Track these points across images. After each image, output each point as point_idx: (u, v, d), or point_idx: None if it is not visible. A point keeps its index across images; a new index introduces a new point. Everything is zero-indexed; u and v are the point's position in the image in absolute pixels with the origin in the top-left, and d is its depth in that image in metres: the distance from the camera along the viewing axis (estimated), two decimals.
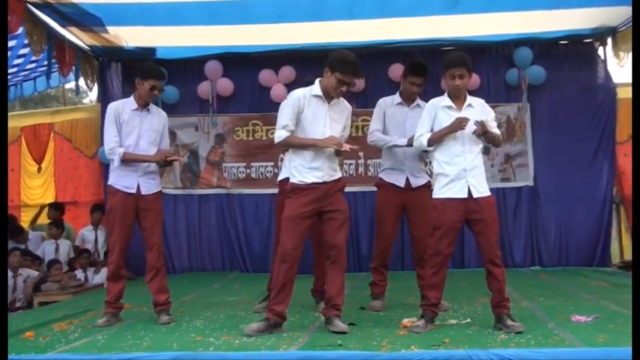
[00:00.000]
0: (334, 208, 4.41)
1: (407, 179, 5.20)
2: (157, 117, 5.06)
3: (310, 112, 4.39)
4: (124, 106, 4.97)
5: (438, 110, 4.38)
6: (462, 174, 4.26)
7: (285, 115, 4.43)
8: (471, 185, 4.25)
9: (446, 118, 4.32)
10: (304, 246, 4.46)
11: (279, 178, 5.36)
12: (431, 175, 4.83)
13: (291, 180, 4.45)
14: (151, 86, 4.88)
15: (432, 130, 4.37)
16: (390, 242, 5.34)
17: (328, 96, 4.43)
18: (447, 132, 4.28)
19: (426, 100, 4.70)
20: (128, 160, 4.86)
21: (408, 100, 5.26)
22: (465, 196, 4.24)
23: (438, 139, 4.32)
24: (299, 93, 4.47)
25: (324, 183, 4.38)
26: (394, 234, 5.36)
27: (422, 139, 4.38)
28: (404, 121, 5.21)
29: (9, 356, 3.46)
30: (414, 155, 5.13)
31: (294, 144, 4.43)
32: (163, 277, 4.97)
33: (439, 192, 4.33)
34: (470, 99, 4.40)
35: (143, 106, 4.97)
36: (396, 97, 5.33)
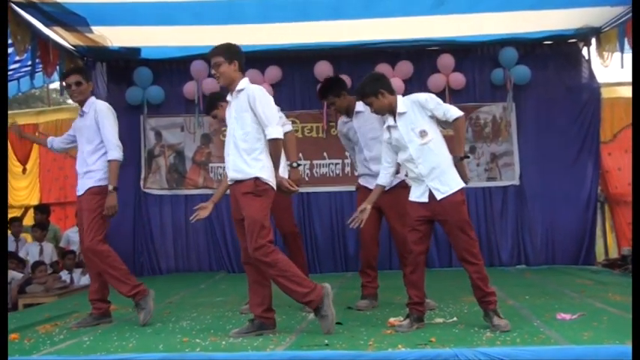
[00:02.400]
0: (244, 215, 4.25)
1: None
2: (90, 113, 4.90)
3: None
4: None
5: (387, 131, 4.43)
6: (420, 179, 4.27)
7: None
8: (432, 188, 4.23)
9: (393, 136, 4.36)
10: None
11: None
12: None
13: None
14: (66, 85, 4.96)
15: (391, 143, 4.41)
16: (370, 245, 5.33)
17: (231, 92, 4.40)
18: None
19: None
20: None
21: (347, 114, 5.43)
22: (427, 200, 4.25)
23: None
24: None
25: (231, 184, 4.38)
26: (373, 236, 5.33)
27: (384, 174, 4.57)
28: (354, 135, 5.39)
29: None
30: (379, 159, 5.20)
31: None
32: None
33: (410, 193, 4.40)
34: (399, 106, 4.33)
35: (81, 108, 4.98)
36: (344, 117, 5.50)
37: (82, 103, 4.95)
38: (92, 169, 4.83)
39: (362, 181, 5.43)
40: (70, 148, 5.25)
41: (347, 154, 8.06)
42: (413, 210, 4.31)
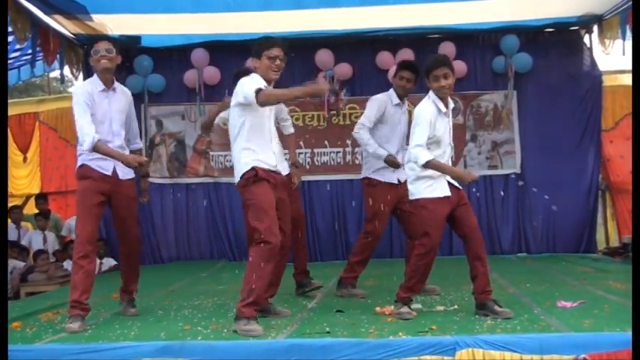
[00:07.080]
0: None
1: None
2: (123, 96, 4.65)
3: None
4: (92, 88, 4.46)
5: (434, 118, 4.28)
6: (443, 175, 4.28)
7: None
8: (451, 182, 4.28)
9: (441, 124, 4.29)
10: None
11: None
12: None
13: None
14: (94, 51, 4.47)
15: (434, 134, 4.29)
16: (380, 238, 5.34)
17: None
18: (452, 175, 4.27)
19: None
20: (101, 151, 4.30)
21: (402, 99, 5.27)
22: (449, 194, 4.27)
23: (437, 170, 4.23)
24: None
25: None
26: (384, 230, 5.40)
27: (422, 155, 4.18)
28: (398, 124, 5.24)
29: None
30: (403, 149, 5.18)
31: None
32: (136, 266, 4.74)
33: (426, 191, 4.29)
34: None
35: (109, 85, 4.51)
36: (394, 97, 5.25)
37: (109, 74, 4.50)
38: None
39: (379, 177, 5.23)
40: None
41: (348, 142, 8.14)
42: (442, 208, 4.27)
